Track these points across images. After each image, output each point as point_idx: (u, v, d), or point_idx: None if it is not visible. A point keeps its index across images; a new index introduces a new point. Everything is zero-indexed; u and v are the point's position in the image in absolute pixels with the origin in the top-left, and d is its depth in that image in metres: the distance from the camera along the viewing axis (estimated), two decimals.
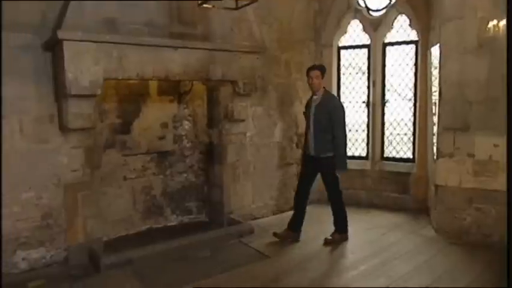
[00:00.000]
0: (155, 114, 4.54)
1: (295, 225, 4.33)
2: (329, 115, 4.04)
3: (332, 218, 4.30)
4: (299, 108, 5.49)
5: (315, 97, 4.19)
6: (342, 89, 5.79)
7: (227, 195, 4.62)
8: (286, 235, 4.28)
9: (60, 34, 3.19)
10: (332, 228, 4.28)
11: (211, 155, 4.70)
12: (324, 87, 4.20)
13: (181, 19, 3.89)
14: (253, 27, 4.40)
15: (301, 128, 5.54)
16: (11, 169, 3.42)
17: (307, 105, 4.30)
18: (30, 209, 3.54)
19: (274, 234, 4.29)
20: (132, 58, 3.55)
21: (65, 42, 3.24)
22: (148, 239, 4.15)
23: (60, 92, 3.48)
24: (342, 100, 5.76)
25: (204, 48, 3.93)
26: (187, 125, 4.78)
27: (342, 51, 5.74)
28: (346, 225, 4.31)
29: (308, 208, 4.40)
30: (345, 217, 4.30)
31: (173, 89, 4.62)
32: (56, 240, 3.66)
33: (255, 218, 4.98)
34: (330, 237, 4.22)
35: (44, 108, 3.58)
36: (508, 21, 3.48)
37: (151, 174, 4.60)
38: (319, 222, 4.64)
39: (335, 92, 5.72)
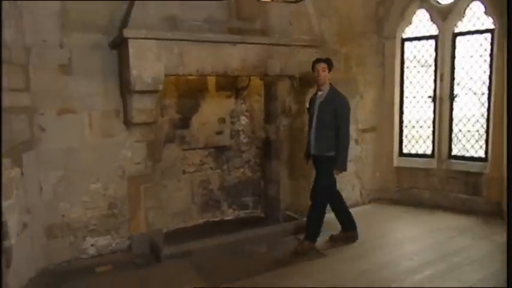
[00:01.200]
0: (213, 109, 4.62)
1: (346, 226, 4.16)
2: (334, 112, 3.77)
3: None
4: (361, 103, 5.31)
5: (320, 93, 3.90)
6: (406, 83, 5.49)
7: (283, 191, 4.57)
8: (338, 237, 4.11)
9: (126, 33, 3.32)
10: (397, 227, 4.05)
11: (268, 150, 4.68)
12: (330, 83, 3.90)
13: (240, 14, 3.90)
14: (312, 20, 4.30)
15: (362, 124, 5.36)
16: (81, 161, 3.66)
17: (311, 102, 4.02)
18: (98, 199, 3.75)
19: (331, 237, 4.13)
20: (192, 54, 3.62)
21: (130, 41, 3.37)
22: (206, 232, 4.24)
23: (125, 88, 3.64)
24: (405, 95, 5.49)
25: (262, 43, 3.91)
26: (244, 120, 4.81)
27: (406, 43, 5.43)
28: (318, 233, 3.95)
29: (366, 208, 4.23)
30: (319, 226, 3.93)
31: (231, 85, 4.66)
32: (120, 229, 3.85)
33: None
34: (305, 245, 3.88)
35: (111, 104, 3.77)
36: (508, 21, 3.32)
37: (209, 169, 4.68)
38: (379, 222, 4.45)
39: (397, 87, 5.45)
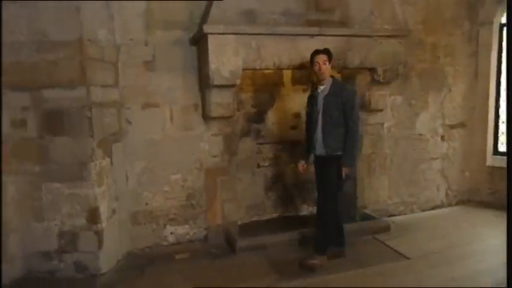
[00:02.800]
0: (288, 103, 4.57)
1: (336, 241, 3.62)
2: (342, 106, 3.38)
3: None
4: (448, 96, 4.89)
5: (321, 87, 3.48)
6: (504, 74, 4.93)
7: (361, 189, 4.39)
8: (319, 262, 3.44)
9: (206, 28, 3.40)
10: (489, 232, 3.61)
11: None
12: (331, 75, 3.51)
13: (319, 6, 3.78)
14: (396, 8, 4.03)
15: (449, 120, 4.95)
16: (163, 153, 3.85)
17: (311, 98, 3.59)
18: (177, 190, 3.92)
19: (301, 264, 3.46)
20: (269, 48, 3.60)
21: (209, 36, 3.45)
22: (279, 226, 4.23)
23: (203, 82, 3.74)
24: (503, 87, 4.94)
25: (341, 35, 3.76)
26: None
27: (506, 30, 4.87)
28: (343, 242, 3.60)
29: (453, 210, 3.87)
30: (341, 233, 3.60)
31: (307, 78, 4.56)
32: (198, 220, 3.99)
33: (391, 215, 4.63)
34: (314, 261, 3.41)
35: (190, 98, 3.91)
36: (508, 21, 3.13)
37: (283, 163, 4.65)
38: (468, 226, 4.07)
39: (493, 78, 4.91)
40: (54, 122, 3.26)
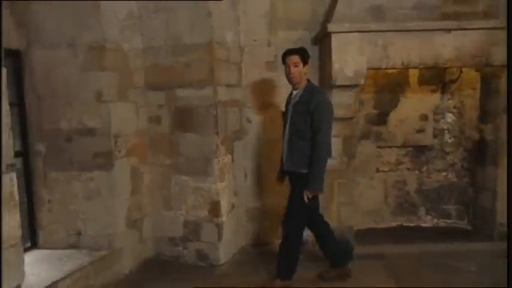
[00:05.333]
0: (414, 105, 4.23)
1: (335, 260, 3.28)
2: (309, 115, 2.87)
3: None
4: None
5: (295, 92, 3.04)
6: None
7: (501, 203, 3.84)
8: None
9: (330, 27, 3.33)
10: None
11: (481, 153, 3.99)
12: (308, 79, 3.02)
13: None
14: None
15: None
16: (279, 152, 3.86)
17: (287, 104, 3.15)
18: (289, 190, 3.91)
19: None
20: (398, 46, 3.38)
21: (333, 35, 3.37)
22: (399, 236, 3.95)
23: (325, 82, 3.66)
24: None
25: (484, 28, 3.34)
26: (450, 117, 4.24)
27: None
28: (292, 270, 3.07)
29: None
30: (293, 260, 3.08)
31: (437, 78, 4.16)
32: None
33: None
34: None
35: None
36: (508, 21, 2.99)
37: (405, 169, 4.34)
38: None
39: None
40: (185, 119, 3.52)
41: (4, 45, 1.88)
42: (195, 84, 3.44)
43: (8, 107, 1.86)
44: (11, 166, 1.83)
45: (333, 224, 3.87)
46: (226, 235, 3.59)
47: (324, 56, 3.59)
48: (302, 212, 3.00)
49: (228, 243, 3.65)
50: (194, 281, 3.27)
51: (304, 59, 2.99)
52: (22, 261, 1.97)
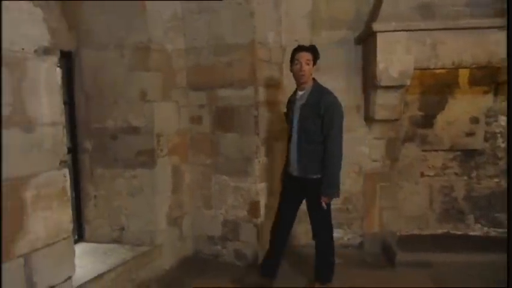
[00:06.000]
0: (463, 107, 4.01)
1: (269, 269, 3.16)
2: (320, 118, 2.77)
3: None
4: None
5: (300, 93, 2.91)
6: None
7: None
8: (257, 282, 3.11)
9: (375, 26, 3.25)
10: None
11: None
12: (314, 78, 2.88)
13: None
14: None
15: None
16: None
17: (290, 104, 3.04)
18: None
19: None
20: (448, 45, 3.24)
21: (378, 34, 3.27)
22: (446, 244, 3.77)
23: (368, 83, 3.57)
24: None
25: None
26: (503, 121, 4.00)
27: None
28: (331, 273, 3.01)
29: None
30: (332, 263, 3.01)
31: (490, 78, 3.92)
32: (353, 225, 3.86)
33: None
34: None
35: (352, 99, 3.79)
36: (508, 21, 2.69)
37: (453, 174, 4.12)
38: None
39: None
40: (225, 119, 3.54)
41: (57, 46, 1.95)
42: (236, 84, 3.45)
43: (63, 106, 1.93)
44: (64, 162, 1.91)
45: (374, 228, 3.79)
46: (264, 236, 3.58)
47: (368, 56, 3.50)
48: (328, 217, 2.96)
49: (266, 244, 3.62)
50: (232, 279, 3.28)
51: (315, 58, 2.90)
52: (73, 254, 2.05)
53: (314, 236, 3.02)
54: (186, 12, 3.53)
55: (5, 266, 1.67)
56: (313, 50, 2.88)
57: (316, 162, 2.82)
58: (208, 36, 3.48)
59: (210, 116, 3.60)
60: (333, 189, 2.83)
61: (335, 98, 2.89)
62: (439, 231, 4.10)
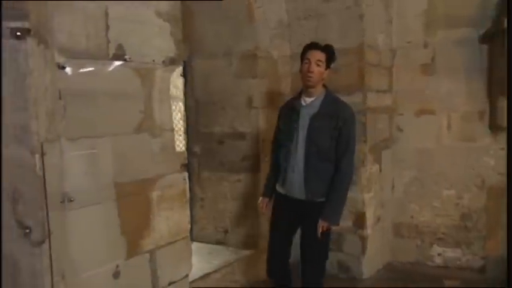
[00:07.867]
0: None
1: None
2: (336, 131, 2.31)
3: None
4: None
5: (308, 99, 2.40)
6: None
7: None
8: None
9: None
10: None
11: None
12: (324, 85, 2.42)
13: None
14: None
15: None
16: (435, 164, 3.52)
17: (290, 111, 2.48)
18: (449, 207, 3.50)
19: None
20: None
21: None
22: None
23: (495, 89, 3.17)
24: None
25: None
26: None
27: None
28: None
29: None
30: None
31: None
32: (473, 245, 3.45)
33: None
34: None
35: (474, 104, 3.42)
36: (508, 21, 2.74)
37: None
38: None
39: None
40: None
41: (182, 57, 2.08)
42: (343, 89, 3.30)
43: (184, 113, 2.03)
44: (184, 166, 2.00)
45: (499, 250, 3.34)
46: (370, 249, 3.39)
47: (496, 58, 3.10)
48: (327, 246, 2.47)
49: (372, 257, 3.43)
50: None
51: (330, 61, 2.41)
52: (191, 253, 2.15)
53: (306, 261, 2.46)
54: (292, 19, 3.52)
55: (133, 260, 1.80)
56: (328, 51, 2.41)
57: (326, 183, 2.37)
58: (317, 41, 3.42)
59: None
60: (338, 215, 2.39)
61: (351, 109, 2.45)
62: None
